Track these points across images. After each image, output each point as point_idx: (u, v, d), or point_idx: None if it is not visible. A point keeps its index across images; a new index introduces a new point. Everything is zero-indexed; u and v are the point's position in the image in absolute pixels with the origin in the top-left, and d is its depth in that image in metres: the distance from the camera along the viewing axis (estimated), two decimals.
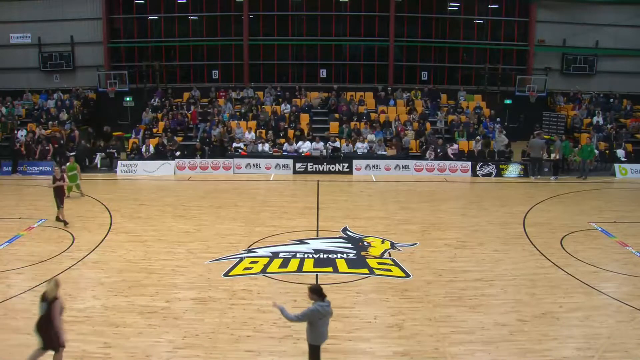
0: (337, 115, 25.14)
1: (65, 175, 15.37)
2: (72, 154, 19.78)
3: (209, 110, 25.43)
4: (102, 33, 29.25)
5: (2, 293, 9.87)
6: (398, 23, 29.55)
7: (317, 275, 10.91)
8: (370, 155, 22.08)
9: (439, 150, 21.88)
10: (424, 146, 22.49)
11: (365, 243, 12.85)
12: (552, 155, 21.38)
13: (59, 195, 14.62)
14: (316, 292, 7.05)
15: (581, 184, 20.17)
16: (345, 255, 12.00)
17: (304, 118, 25.15)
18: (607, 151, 22.76)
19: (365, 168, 21.51)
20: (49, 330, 7.01)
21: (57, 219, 14.53)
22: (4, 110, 25.95)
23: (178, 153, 22.01)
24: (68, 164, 17.68)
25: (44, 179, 20.46)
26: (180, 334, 8.50)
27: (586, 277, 10.85)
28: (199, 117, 24.94)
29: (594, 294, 10.15)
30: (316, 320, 6.93)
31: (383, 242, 12.95)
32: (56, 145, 22.01)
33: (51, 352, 7.14)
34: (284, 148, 22.34)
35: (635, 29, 28.72)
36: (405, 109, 26.11)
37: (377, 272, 11.15)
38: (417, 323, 8.94)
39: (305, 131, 23.60)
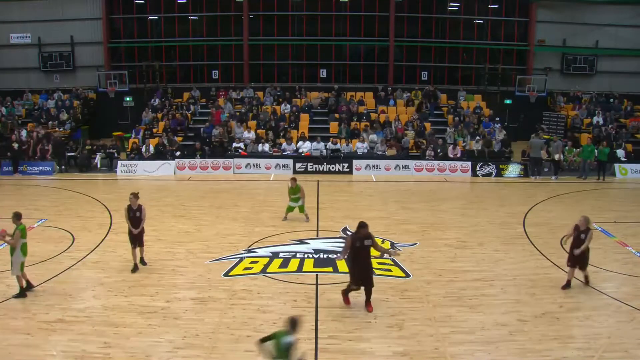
0: (337, 115, 25.15)
1: (144, 211, 11.11)
2: (292, 176, 15.69)
3: (238, 111, 25.34)
4: (102, 33, 29.27)
5: (2, 293, 9.86)
6: (398, 23, 29.57)
7: (317, 275, 10.91)
8: (370, 155, 22.08)
9: (439, 151, 21.88)
10: (423, 145, 22.48)
11: None
12: (557, 156, 21.31)
13: (134, 236, 11.03)
14: None
15: (581, 184, 20.17)
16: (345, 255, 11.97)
17: (304, 118, 25.15)
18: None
19: (365, 168, 21.51)
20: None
21: (141, 262, 11.23)
22: (4, 110, 25.97)
23: (178, 153, 22.02)
24: (290, 185, 14.55)
25: (43, 178, 20.55)
26: (180, 334, 8.49)
27: None
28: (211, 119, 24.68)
29: (594, 294, 10.15)
30: None
31: (383, 242, 12.92)
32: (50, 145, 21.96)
33: None
34: (282, 148, 22.34)
35: (635, 29, 28.74)
36: (405, 109, 26.15)
37: (377, 272, 11.06)
38: (417, 323, 8.94)
39: (306, 133, 23.59)
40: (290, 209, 14.71)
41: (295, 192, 14.49)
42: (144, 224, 11.13)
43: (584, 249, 10.10)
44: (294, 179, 14.77)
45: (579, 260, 10.18)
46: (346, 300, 9.47)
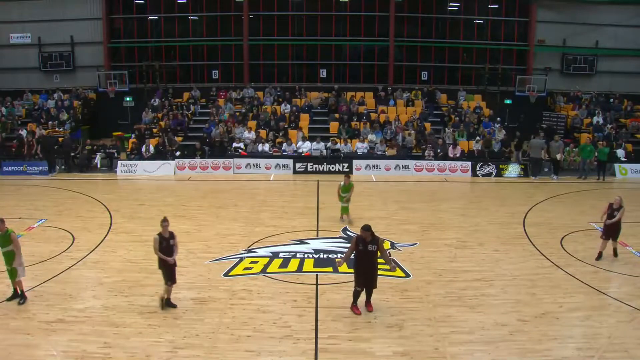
0: (337, 115, 25.15)
1: (176, 238, 9.37)
2: (347, 175, 14.94)
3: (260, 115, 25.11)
4: (102, 33, 29.27)
5: (2, 293, 9.85)
6: (398, 23, 29.55)
7: (317, 275, 10.92)
8: (370, 155, 22.07)
9: (439, 151, 21.88)
10: (423, 145, 22.47)
11: None
12: (558, 156, 21.28)
13: (167, 268, 9.22)
14: None
15: (581, 184, 20.17)
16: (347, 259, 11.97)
17: (304, 118, 25.15)
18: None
19: (365, 168, 21.51)
20: None
21: (166, 301, 9.35)
22: (4, 110, 25.96)
23: (178, 153, 22.02)
24: (344, 183, 14.15)
25: (42, 178, 20.54)
26: (180, 334, 8.49)
27: (586, 277, 10.85)
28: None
29: (594, 294, 10.15)
30: None
31: (383, 242, 12.91)
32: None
33: None
34: (282, 148, 22.35)
35: (635, 29, 28.73)
36: (405, 109, 26.16)
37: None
38: (417, 323, 8.94)
39: (305, 133, 23.60)
40: (345, 210, 14.54)
41: (347, 189, 14.30)
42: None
43: (616, 221, 11.67)
44: (348, 176, 14.69)
45: (612, 232, 11.73)
46: (355, 309, 9.28)
